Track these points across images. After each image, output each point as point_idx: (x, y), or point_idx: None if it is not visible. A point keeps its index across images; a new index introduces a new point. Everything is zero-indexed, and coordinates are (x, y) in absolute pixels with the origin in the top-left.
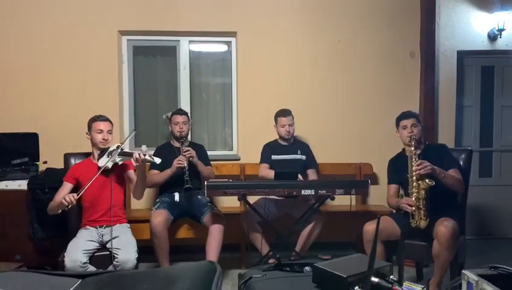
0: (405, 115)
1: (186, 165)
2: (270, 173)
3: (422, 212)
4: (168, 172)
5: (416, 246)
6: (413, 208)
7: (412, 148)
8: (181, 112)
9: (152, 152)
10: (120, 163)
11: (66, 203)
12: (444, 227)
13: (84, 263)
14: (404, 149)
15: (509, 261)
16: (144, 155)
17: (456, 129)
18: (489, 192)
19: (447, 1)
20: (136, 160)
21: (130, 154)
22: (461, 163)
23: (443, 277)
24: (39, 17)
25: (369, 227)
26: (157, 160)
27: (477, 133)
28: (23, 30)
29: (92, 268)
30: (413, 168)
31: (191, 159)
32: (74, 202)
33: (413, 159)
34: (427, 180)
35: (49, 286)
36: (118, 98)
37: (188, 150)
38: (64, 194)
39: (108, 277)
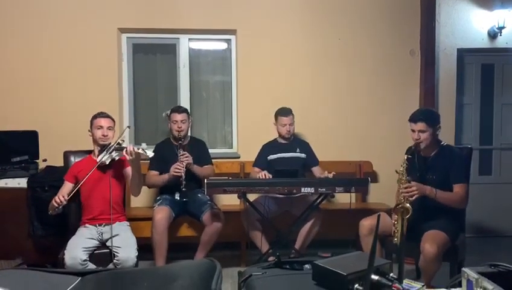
0: (414, 118)
1: (183, 174)
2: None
3: (397, 233)
4: (166, 177)
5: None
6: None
7: (403, 167)
8: (179, 110)
9: (152, 150)
10: (117, 158)
11: (56, 205)
12: (430, 246)
13: (84, 260)
14: None
15: (509, 259)
16: (138, 149)
17: (456, 127)
18: (489, 190)
19: None
20: (130, 153)
21: (124, 148)
22: None
23: (431, 279)
24: (39, 15)
25: (365, 222)
26: (150, 153)
27: (477, 131)
28: (22, 28)
29: (92, 266)
30: (400, 190)
31: (188, 165)
32: (64, 202)
33: (402, 180)
34: (407, 206)
35: (49, 284)
36: (117, 96)
37: (185, 155)
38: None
39: (108, 275)
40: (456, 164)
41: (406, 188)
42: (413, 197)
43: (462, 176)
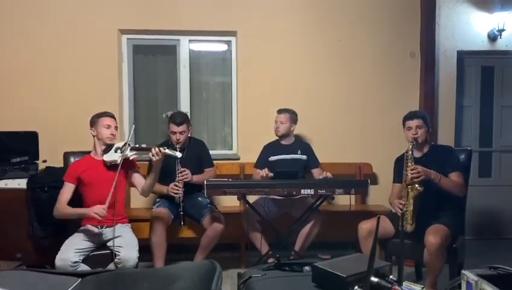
0: (410, 116)
1: (181, 195)
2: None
3: (409, 217)
4: (164, 191)
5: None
6: (401, 211)
7: (410, 152)
8: (177, 122)
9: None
10: (131, 158)
11: (101, 218)
12: (433, 238)
13: (75, 262)
14: None
15: (509, 262)
16: (164, 149)
17: (455, 129)
18: (489, 192)
19: (447, 1)
20: (157, 154)
21: (146, 149)
22: None
23: (436, 278)
24: (39, 15)
25: (364, 225)
26: (178, 154)
27: (477, 133)
28: (23, 28)
29: (84, 267)
30: (406, 172)
31: (187, 182)
32: (106, 214)
33: (409, 163)
34: (416, 186)
35: (48, 285)
36: (117, 96)
37: (184, 173)
38: (67, 198)
39: (109, 276)
40: (449, 156)
41: (412, 169)
42: (418, 176)
43: (457, 165)
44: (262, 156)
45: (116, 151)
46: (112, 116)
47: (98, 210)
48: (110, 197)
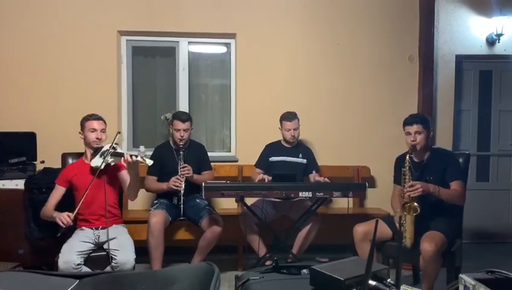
0: (409, 121)
1: (181, 190)
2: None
3: (407, 234)
4: (164, 187)
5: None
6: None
7: (407, 166)
8: (183, 118)
9: (150, 153)
10: (112, 164)
11: (63, 225)
12: (429, 245)
13: (78, 264)
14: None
15: (507, 266)
16: (136, 157)
17: (453, 133)
18: (487, 196)
19: (446, 5)
20: (127, 162)
21: (122, 155)
22: None
23: (433, 283)
24: (38, 17)
25: (359, 228)
26: (149, 162)
27: (475, 137)
28: (22, 30)
29: (86, 269)
30: (404, 189)
31: (188, 178)
32: (71, 223)
33: (406, 178)
34: (415, 205)
35: (46, 286)
36: (116, 98)
37: (186, 168)
38: (56, 201)
39: (106, 278)
40: (450, 163)
41: (410, 186)
42: (417, 194)
43: (458, 174)
44: (263, 156)
45: (101, 156)
46: (99, 119)
47: (63, 217)
48: (80, 205)
